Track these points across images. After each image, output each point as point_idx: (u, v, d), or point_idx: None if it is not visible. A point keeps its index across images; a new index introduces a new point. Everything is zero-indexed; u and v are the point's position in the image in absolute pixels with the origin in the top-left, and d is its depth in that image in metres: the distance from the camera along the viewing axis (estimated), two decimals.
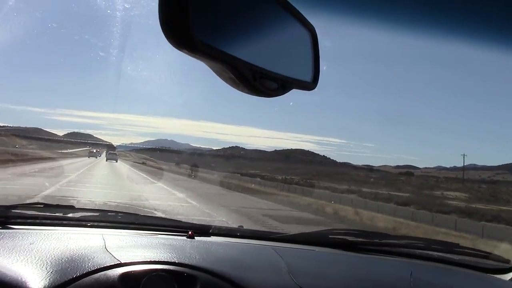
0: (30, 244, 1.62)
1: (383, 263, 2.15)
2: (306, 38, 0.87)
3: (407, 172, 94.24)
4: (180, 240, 1.94)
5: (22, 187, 14.55)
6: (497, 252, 2.45)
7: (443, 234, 17.30)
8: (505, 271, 2.15)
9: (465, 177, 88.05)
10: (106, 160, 52.27)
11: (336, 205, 23.92)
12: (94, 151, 72.52)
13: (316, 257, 2.07)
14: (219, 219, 11.63)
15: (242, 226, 2.72)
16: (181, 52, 0.61)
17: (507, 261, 2.25)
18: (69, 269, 1.45)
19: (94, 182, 19.52)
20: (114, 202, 11.51)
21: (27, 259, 1.49)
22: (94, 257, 1.54)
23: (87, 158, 58.70)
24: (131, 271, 1.49)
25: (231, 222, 11.19)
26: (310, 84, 0.86)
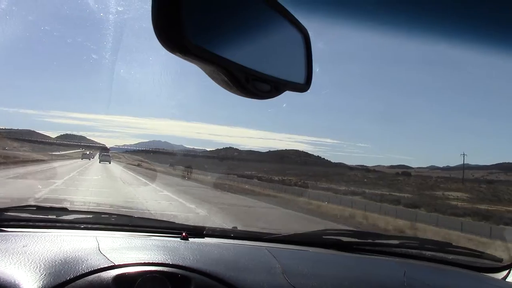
0: (23, 246, 1.61)
1: (377, 263, 2.16)
2: (299, 40, 0.87)
3: (404, 172, 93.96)
4: (174, 241, 1.94)
5: (14, 189, 14.39)
6: (490, 251, 2.48)
7: (482, 244, 14.97)
8: (498, 269, 2.17)
9: (459, 177, 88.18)
10: (100, 162, 51.96)
11: (356, 211, 22.55)
12: (88, 153, 71.93)
13: (310, 258, 2.07)
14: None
15: (236, 227, 2.72)
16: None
17: (500, 260, 2.27)
18: (62, 272, 1.44)
19: (87, 185, 19.16)
20: (108, 204, 11.44)
21: (20, 262, 1.48)
22: (87, 259, 1.53)
23: (80, 160, 58.24)
24: (125, 273, 1.49)
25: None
26: (303, 86, 0.87)
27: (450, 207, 39.85)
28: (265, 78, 0.75)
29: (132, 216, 2.43)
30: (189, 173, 44.16)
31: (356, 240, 2.41)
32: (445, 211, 33.64)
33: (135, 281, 1.47)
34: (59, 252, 1.58)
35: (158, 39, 0.59)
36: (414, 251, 2.34)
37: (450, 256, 2.31)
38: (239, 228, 2.74)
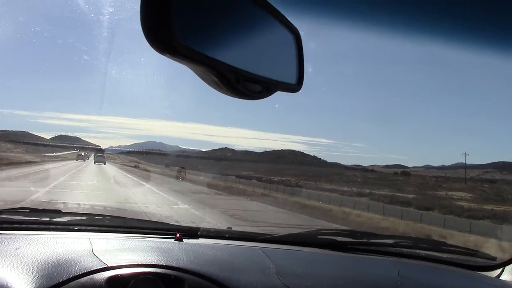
0: (16, 249, 1.60)
1: (371, 262, 2.17)
2: (290, 40, 0.87)
3: (403, 172, 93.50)
4: (168, 242, 1.93)
5: (7, 192, 14.27)
6: (484, 250, 2.49)
7: None
8: (492, 268, 2.17)
9: (455, 176, 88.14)
10: (94, 163, 51.85)
11: (378, 216, 21.39)
12: (82, 154, 71.72)
13: (304, 258, 2.07)
14: None
15: (231, 228, 2.72)
16: None
17: (494, 258, 2.28)
18: (55, 274, 1.44)
19: (82, 186, 18.84)
20: (102, 205, 11.39)
21: (13, 264, 1.47)
22: (81, 261, 1.53)
23: (75, 161, 58.00)
24: (118, 275, 1.49)
25: None
26: (294, 86, 0.87)
27: (466, 210, 37.47)
28: (256, 78, 0.75)
29: (126, 218, 2.42)
30: (185, 174, 43.49)
31: (351, 239, 2.42)
32: (461, 214, 31.96)
33: (128, 283, 1.47)
34: (52, 254, 1.57)
35: (147, 40, 0.59)
36: (408, 250, 2.34)
37: (445, 255, 2.32)
38: (234, 228, 2.73)
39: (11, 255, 1.54)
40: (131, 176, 32.82)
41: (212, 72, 0.67)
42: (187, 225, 2.33)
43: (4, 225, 1.96)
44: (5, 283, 1.38)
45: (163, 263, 1.60)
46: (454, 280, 2.09)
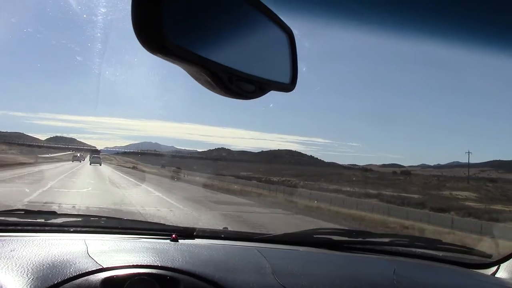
0: (11, 251, 1.59)
1: (367, 261, 2.17)
2: (283, 40, 0.87)
3: (403, 172, 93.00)
4: (163, 243, 1.93)
5: (1, 194, 14.14)
6: (480, 247, 2.49)
7: None
8: (487, 266, 2.18)
9: (451, 175, 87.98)
10: (90, 164, 51.81)
11: (407, 222, 19.01)
12: (78, 155, 71.64)
13: (300, 257, 2.07)
14: None
15: (227, 228, 2.71)
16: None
17: (489, 256, 2.29)
18: (50, 275, 1.43)
19: (77, 187, 18.43)
20: (97, 206, 11.33)
21: (8, 267, 1.47)
22: (76, 262, 1.52)
23: (69, 162, 57.79)
24: (114, 276, 1.48)
25: None
26: (288, 86, 0.87)
27: (485, 211, 35.95)
28: (249, 78, 0.75)
29: (121, 219, 2.42)
30: (184, 175, 42.87)
31: (347, 238, 2.42)
32: (481, 216, 30.38)
33: (123, 284, 1.46)
34: (47, 256, 1.56)
35: (138, 40, 0.58)
36: (404, 248, 2.35)
37: (440, 253, 2.33)
38: (230, 228, 2.73)
39: (6, 257, 1.54)
40: (131, 179, 30.58)
41: (205, 72, 0.67)
42: (183, 225, 2.32)
43: None
44: (0, 285, 1.37)
45: (158, 263, 1.59)
46: (449, 278, 2.09)
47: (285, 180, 68.98)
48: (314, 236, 2.40)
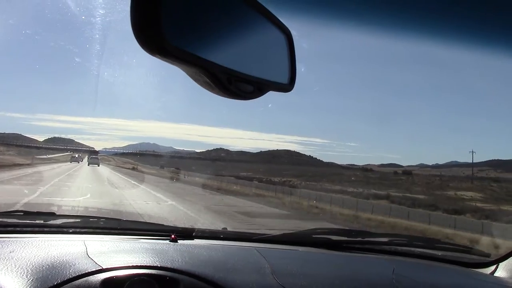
0: (10, 252, 1.59)
1: (366, 260, 2.17)
2: (281, 40, 0.87)
3: (404, 171, 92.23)
4: (163, 244, 1.93)
5: None
6: (478, 247, 2.50)
7: None
8: (486, 265, 2.19)
9: (449, 175, 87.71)
10: (88, 165, 51.76)
11: (435, 227, 17.93)
12: (76, 156, 71.60)
13: (299, 257, 2.08)
14: None
15: (226, 228, 2.72)
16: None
17: (488, 255, 2.29)
18: (49, 276, 1.43)
19: (73, 194, 17.06)
20: (96, 207, 11.28)
21: (7, 268, 1.47)
22: (75, 263, 1.52)
23: (65, 164, 57.65)
24: (113, 277, 1.49)
25: None
26: (287, 86, 0.87)
27: (503, 213, 34.62)
28: (248, 79, 0.75)
29: (120, 220, 2.42)
30: (185, 176, 42.35)
31: (346, 238, 2.42)
32: (498, 218, 28.83)
33: (123, 284, 1.47)
34: (47, 257, 1.57)
35: (137, 41, 0.59)
36: (403, 248, 2.36)
37: (439, 253, 2.34)
38: (229, 229, 2.73)
39: (5, 258, 1.54)
40: (133, 181, 27.92)
41: (204, 73, 0.67)
42: (182, 226, 2.32)
43: None
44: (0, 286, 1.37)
45: (158, 264, 1.59)
46: (448, 277, 2.10)
47: (287, 180, 68.25)
48: (313, 236, 2.40)
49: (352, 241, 2.39)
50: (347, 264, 2.09)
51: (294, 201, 24.62)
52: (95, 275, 1.48)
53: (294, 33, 0.90)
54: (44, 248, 1.67)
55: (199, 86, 0.72)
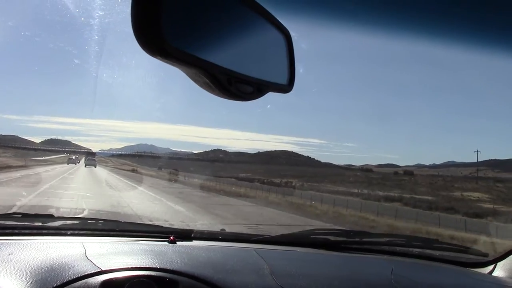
0: (9, 254, 1.59)
1: (364, 261, 2.18)
2: (281, 41, 0.87)
3: (406, 172, 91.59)
4: (161, 245, 1.93)
5: None
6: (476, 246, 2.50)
7: None
8: (484, 264, 2.19)
9: (447, 174, 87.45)
10: (85, 166, 51.67)
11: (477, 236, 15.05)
12: (73, 157, 71.53)
13: (298, 258, 2.08)
14: None
15: (224, 229, 2.71)
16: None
17: (486, 255, 2.30)
18: (49, 279, 1.43)
19: (66, 203, 15.99)
20: (95, 209, 11.25)
21: (6, 270, 1.46)
22: (74, 265, 1.52)
23: (65, 164, 57.50)
24: (112, 278, 1.48)
25: None
26: (286, 87, 0.87)
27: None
28: (248, 79, 0.76)
29: (119, 221, 2.41)
30: (184, 178, 41.85)
31: (344, 239, 2.43)
32: None
33: (122, 286, 1.46)
34: (45, 259, 1.56)
35: (138, 42, 0.59)
36: (401, 248, 2.36)
37: (437, 252, 2.34)
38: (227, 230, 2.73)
39: (4, 260, 1.53)
40: (135, 185, 26.16)
41: (204, 74, 0.67)
42: (180, 227, 2.32)
43: None
44: None
45: (157, 266, 1.59)
46: (447, 277, 2.10)
47: (287, 181, 67.52)
48: (312, 236, 2.40)
49: (350, 242, 2.39)
50: (346, 265, 2.10)
51: (332, 210, 21.60)
52: (94, 277, 1.47)
53: (293, 34, 0.90)
54: (43, 250, 1.66)
55: (198, 87, 0.72)
